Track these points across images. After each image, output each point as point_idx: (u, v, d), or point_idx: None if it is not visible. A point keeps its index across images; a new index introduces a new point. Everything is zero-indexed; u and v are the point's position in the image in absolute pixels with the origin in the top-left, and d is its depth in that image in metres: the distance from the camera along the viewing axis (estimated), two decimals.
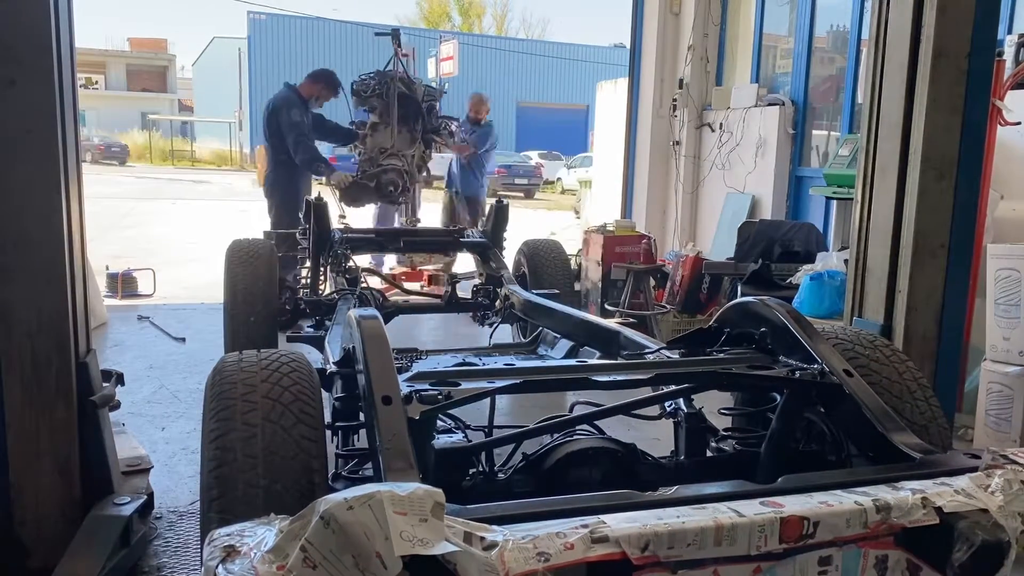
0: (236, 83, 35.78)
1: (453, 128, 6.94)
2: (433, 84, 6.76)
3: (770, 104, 7.54)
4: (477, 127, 8.47)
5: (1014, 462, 1.64)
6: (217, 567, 1.21)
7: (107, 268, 7.73)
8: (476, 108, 8.55)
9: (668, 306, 6.57)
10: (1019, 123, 4.12)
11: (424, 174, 6.45)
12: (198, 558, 2.65)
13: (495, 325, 4.61)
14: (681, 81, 8.40)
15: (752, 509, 1.44)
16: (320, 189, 6.25)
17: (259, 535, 1.28)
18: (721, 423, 2.50)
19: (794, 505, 1.47)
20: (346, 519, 1.21)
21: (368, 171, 5.99)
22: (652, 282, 6.56)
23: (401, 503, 1.25)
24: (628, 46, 9.14)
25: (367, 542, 1.20)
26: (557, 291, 4.58)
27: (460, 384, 2.01)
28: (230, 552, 1.24)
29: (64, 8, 2.51)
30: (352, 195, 6.11)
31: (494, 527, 1.34)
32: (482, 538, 1.30)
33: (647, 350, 2.64)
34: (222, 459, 1.63)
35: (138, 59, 47.91)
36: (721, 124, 7.99)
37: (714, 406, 2.54)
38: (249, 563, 1.22)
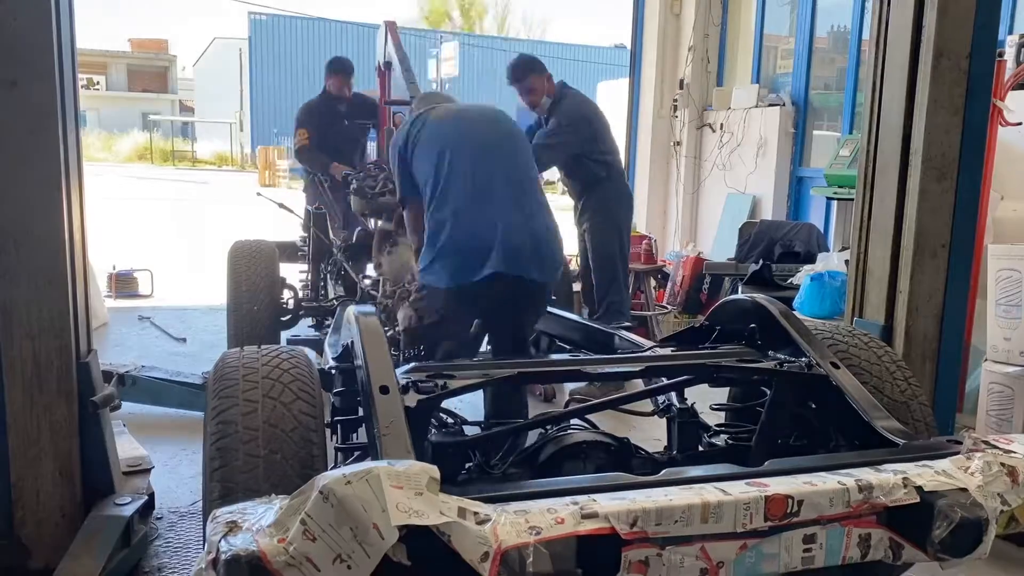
0: (237, 84, 35.77)
1: None
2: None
3: (771, 104, 7.54)
4: None
5: (994, 447, 1.68)
6: (220, 541, 1.25)
7: (114, 267, 7.72)
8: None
9: (669, 307, 6.57)
10: (1020, 123, 4.11)
11: None
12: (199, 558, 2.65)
13: None
14: (682, 81, 8.40)
15: (738, 488, 1.48)
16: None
17: (260, 512, 1.33)
18: (714, 420, 2.53)
19: (779, 485, 1.51)
20: (344, 493, 1.26)
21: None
22: (653, 283, 6.56)
23: (398, 477, 1.29)
24: (629, 47, 9.14)
25: (364, 514, 1.25)
26: (553, 297, 4.56)
27: (455, 376, 2.04)
28: (232, 527, 1.28)
29: (65, 9, 2.51)
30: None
31: (488, 505, 1.38)
32: (475, 513, 1.34)
33: (640, 348, 2.67)
34: (224, 432, 1.68)
35: (139, 60, 47.84)
36: (722, 124, 7.99)
37: (708, 404, 2.56)
38: (251, 536, 1.25)
